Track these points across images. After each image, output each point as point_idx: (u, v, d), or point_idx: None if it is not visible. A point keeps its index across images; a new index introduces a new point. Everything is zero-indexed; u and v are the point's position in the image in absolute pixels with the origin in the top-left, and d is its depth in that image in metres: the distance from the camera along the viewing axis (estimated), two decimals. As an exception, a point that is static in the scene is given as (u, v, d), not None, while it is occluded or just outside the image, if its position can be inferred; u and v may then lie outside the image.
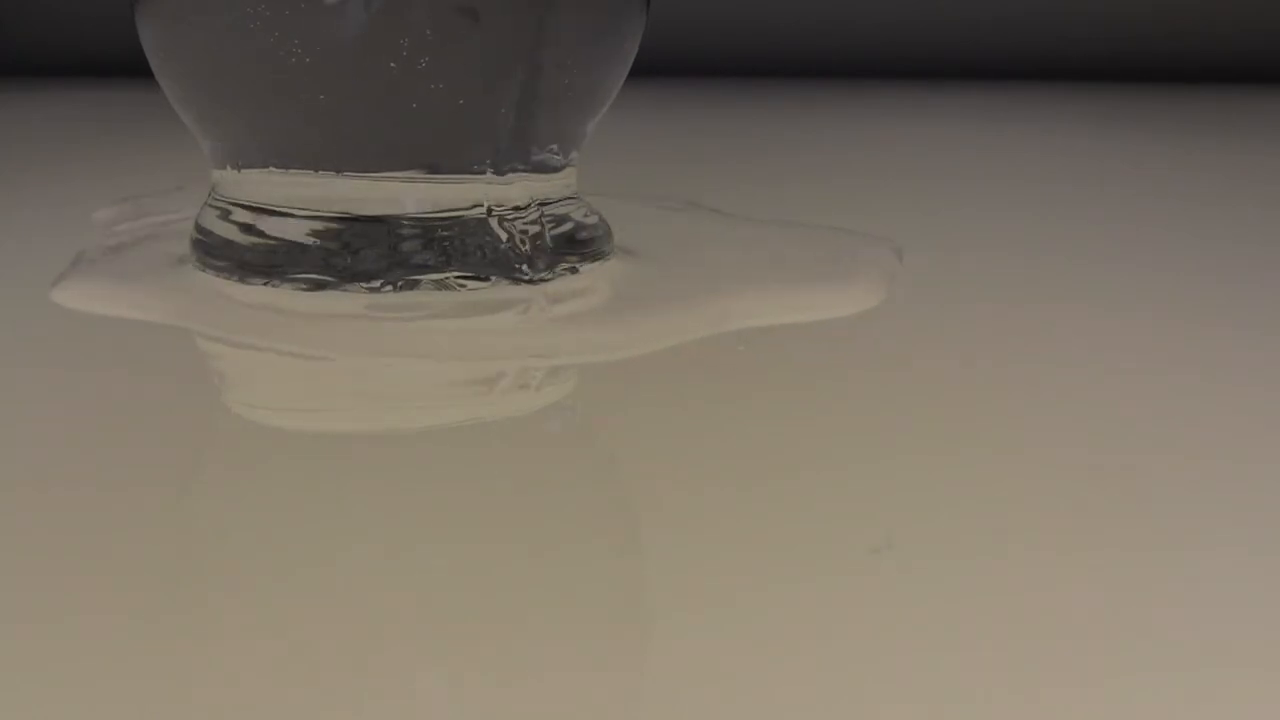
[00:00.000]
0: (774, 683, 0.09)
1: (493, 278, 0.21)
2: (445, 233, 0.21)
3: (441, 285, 0.21)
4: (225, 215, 0.22)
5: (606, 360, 0.18)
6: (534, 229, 0.22)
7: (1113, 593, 0.11)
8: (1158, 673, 0.10)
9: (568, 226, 0.23)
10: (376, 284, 0.21)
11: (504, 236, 0.21)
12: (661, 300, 0.21)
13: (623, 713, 0.09)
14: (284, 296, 0.21)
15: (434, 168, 0.21)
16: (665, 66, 0.72)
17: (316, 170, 0.21)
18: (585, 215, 0.23)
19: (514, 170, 0.21)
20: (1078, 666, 0.10)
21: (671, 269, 0.23)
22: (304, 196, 0.21)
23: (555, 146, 0.22)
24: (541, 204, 0.22)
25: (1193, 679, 0.10)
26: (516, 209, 0.21)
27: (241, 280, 0.21)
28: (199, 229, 0.23)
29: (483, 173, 0.21)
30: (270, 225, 0.21)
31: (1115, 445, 0.15)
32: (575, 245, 0.23)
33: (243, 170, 0.22)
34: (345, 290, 0.21)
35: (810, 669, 0.10)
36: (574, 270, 0.22)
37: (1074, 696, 0.09)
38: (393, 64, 0.19)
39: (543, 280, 0.22)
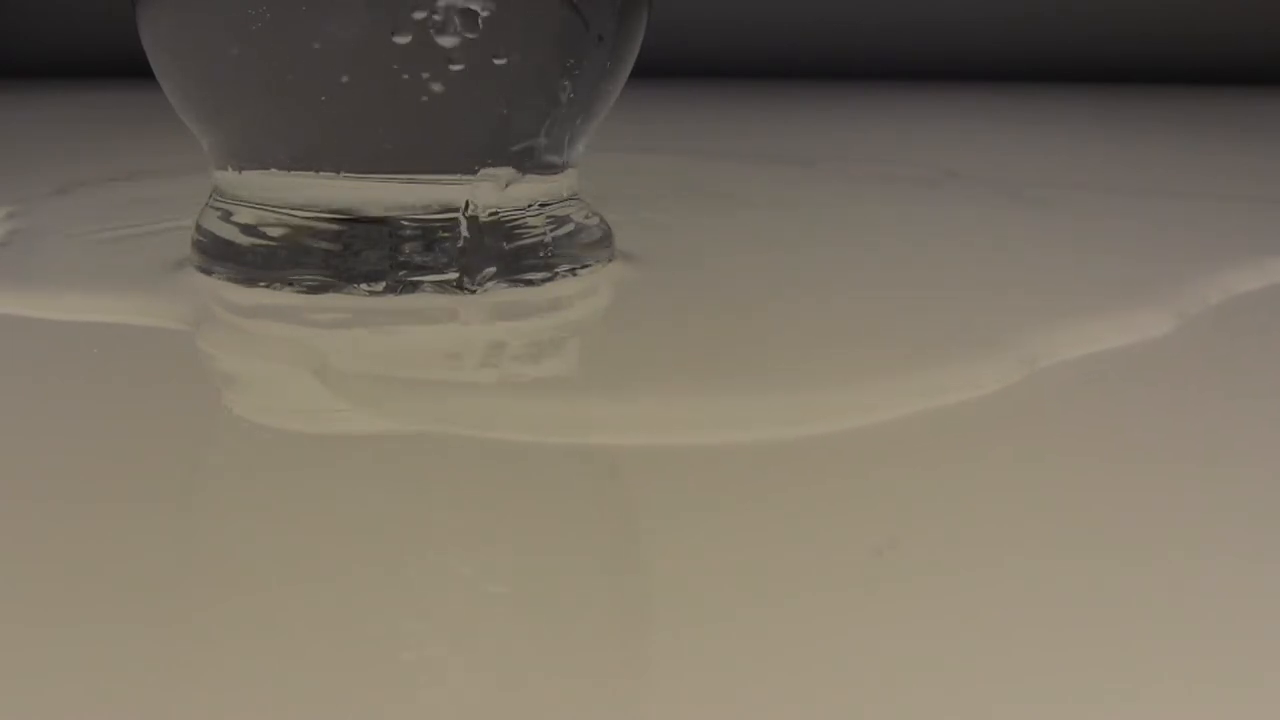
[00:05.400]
0: (779, 684, 0.09)
1: (491, 281, 0.21)
2: (445, 234, 0.21)
3: (442, 288, 0.21)
4: (226, 217, 0.22)
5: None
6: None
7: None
8: (1170, 684, 0.10)
9: (568, 228, 0.23)
10: (379, 286, 0.21)
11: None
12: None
13: (623, 716, 0.09)
14: (285, 298, 0.21)
15: (434, 169, 0.21)
16: (666, 67, 0.72)
17: (317, 171, 0.21)
18: (586, 217, 0.23)
19: (514, 171, 0.21)
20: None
21: (675, 277, 0.23)
22: (305, 197, 0.21)
23: (557, 147, 0.22)
24: (543, 205, 0.22)
25: (1205, 692, 0.10)
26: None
27: (242, 282, 0.21)
28: (200, 230, 0.23)
29: (483, 174, 0.21)
30: (271, 227, 0.21)
31: None
32: (576, 248, 0.23)
33: (243, 171, 0.22)
34: (347, 292, 0.21)
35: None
36: (573, 273, 0.22)
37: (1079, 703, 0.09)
38: (394, 65, 0.19)
39: (545, 281, 0.22)
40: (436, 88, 0.20)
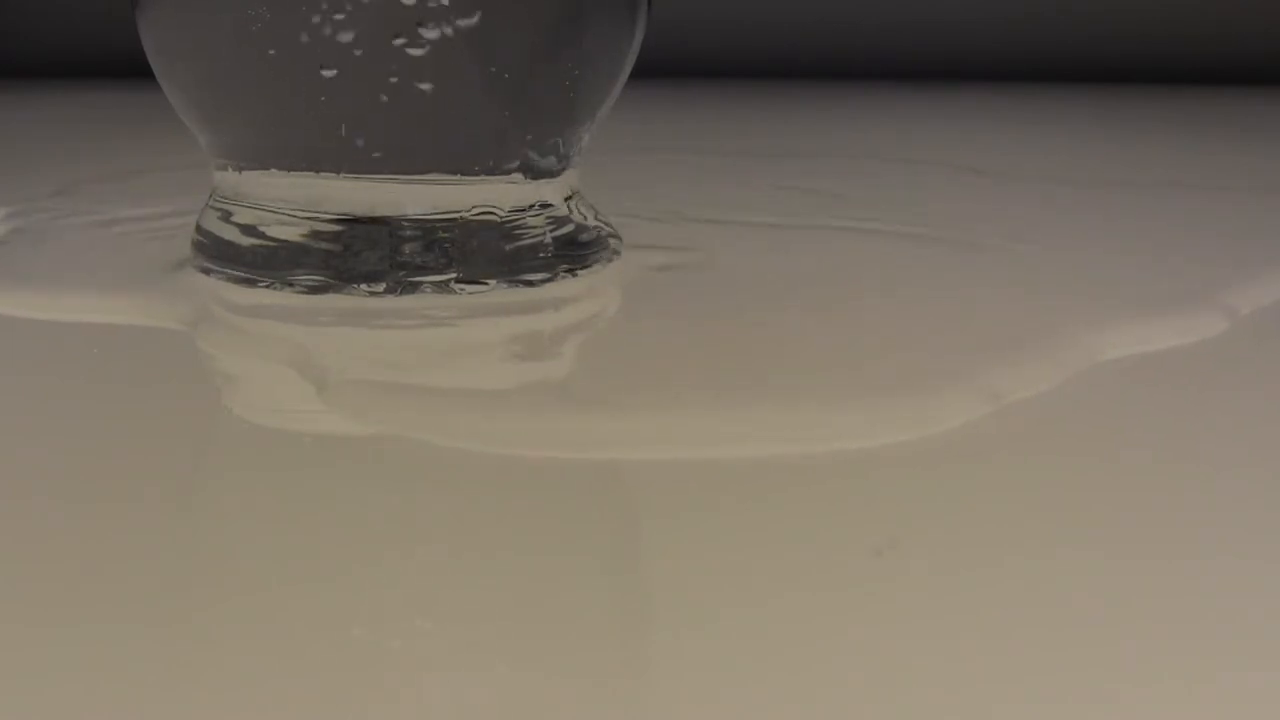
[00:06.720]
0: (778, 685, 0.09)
1: (491, 282, 0.21)
2: (446, 234, 0.21)
3: (442, 288, 0.21)
4: (226, 217, 0.22)
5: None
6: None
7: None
8: (1172, 683, 0.10)
9: (568, 228, 0.23)
10: (379, 287, 0.21)
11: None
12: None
13: (623, 716, 0.09)
14: (285, 298, 0.21)
15: (434, 169, 0.21)
16: (666, 67, 0.72)
17: (317, 171, 0.21)
18: (586, 217, 0.23)
19: (515, 172, 0.21)
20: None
21: (675, 278, 0.23)
22: (305, 198, 0.21)
23: (557, 147, 0.22)
24: (543, 205, 0.22)
25: (1205, 692, 0.10)
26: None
27: (242, 282, 0.21)
28: (200, 231, 0.23)
29: (483, 174, 0.21)
30: (271, 227, 0.21)
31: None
32: (576, 248, 0.23)
33: (244, 171, 0.22)
34: (347, 293, 0.21)
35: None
36: (573, 274, 0.22)
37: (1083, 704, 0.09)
38: (394, 65, 0.19)
39: (545, 281, 0.22)
40: (437, 89, 0.20)
